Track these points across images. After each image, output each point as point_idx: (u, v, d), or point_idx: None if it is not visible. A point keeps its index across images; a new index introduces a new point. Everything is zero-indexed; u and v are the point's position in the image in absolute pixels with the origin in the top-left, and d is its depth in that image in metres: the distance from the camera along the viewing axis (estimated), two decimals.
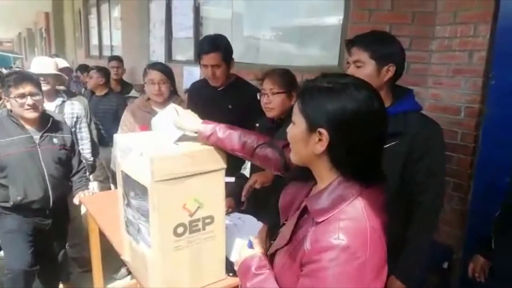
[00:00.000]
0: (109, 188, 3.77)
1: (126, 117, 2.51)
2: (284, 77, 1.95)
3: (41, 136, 2.28)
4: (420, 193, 1.51)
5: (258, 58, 3.27)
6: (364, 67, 1.47)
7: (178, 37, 4.27)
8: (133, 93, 3.78)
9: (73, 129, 2.81)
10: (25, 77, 2.21)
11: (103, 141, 3.48)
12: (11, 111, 2.34)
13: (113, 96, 3.96)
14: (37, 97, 2.22)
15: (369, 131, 0.92)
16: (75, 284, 2.85)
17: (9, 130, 2.22)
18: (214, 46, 2.21)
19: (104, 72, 4.07)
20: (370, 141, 0.93)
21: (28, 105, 2.16)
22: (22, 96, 2.15)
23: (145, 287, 1.47)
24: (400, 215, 1.52)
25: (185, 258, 1.39)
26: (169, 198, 1.31)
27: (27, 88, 2.17)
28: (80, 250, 3.05)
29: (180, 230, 1.35)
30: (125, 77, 4.67)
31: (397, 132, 1.46)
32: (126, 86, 4.44)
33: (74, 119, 2.95)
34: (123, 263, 2.96)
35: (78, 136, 2.93)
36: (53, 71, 2.89)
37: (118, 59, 4.56)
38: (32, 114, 2.21)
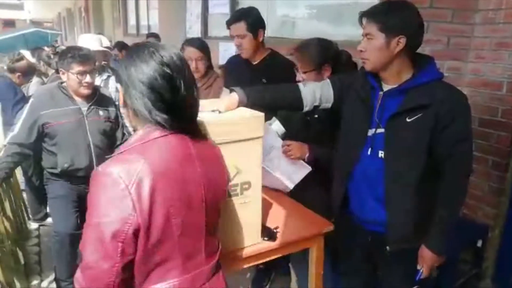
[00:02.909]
0: None
1: None
2: (312, 53, 1.89)
3: (88, 108, 2.40)
4: (447, 161, 1.46)
5: (294, 33, 3.27)
6: (374, 39, 1.45)
7: (214, 13, 4.31)
8: None
9: (116, 103, 2.95)
10: (88, 56, 2.33)
11: None
12: (62, 82, 2.48)
13: None
14: (93, 76, 2.35)
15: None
16: None
17: (60, 101, 2.35)
18: (239, 16, 2.25)
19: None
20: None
21: (86, 82, 2.28)
22: (83, 73, 2.27)
23: None
24: (430, 192, 1.49)
25: (224, 220, 1.47)
26: None
27: (88, 66, 2.30)
28: None
29: None
30: None
31: (421, 104, 1.44)
32: None
33: (118, 93, 3.08)
34: None
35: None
36: (100, 47, 3.02)
37: (156, 36, 4.67)
38: (86, 91, 2.33)
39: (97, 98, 2.45)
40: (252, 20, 2.25)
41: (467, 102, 1.49)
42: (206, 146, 1.16)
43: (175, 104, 1.04)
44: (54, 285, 2.62)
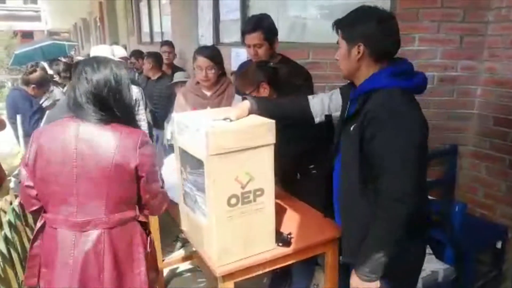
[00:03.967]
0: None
1: (178, 100, 2.65)
2: (249, 76, 2.03)
3: None
4: (378, 179, 1.31)
5: (304, 38, 3.27)
6: (340, 48, 1.44)
7: (225, 19, 4.35)
8: (178, 76, 3.91)
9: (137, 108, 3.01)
10: None
11: (156, 123, 3.68)
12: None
13: (166, 80, 4.13)
14: None
15: None
16: None
17: None
18: (256, 26, 2.24)
19: (155, 57, 4.26)
20: None
21: None
22: None
23: (202, 253, 1.60)
24: (363, 207, 1.40)
25: (238, 227, 1.50)
26: (223, 170, 1.41)
27: None
28: None
29: (233, 201, 1.46)
30: (175, 62, 4.86)
31: (352, 114, 1.41)
32: (177, 70, 4.62)
33: (133, 102, 3.14)
34: (176, 237, 3.20)
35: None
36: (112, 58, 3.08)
37: (170, 44, 4.74)
38: None
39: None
40: (268, 29, 2.25)
41: (402, 113, 1.29)
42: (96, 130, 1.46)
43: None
44: None
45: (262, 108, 1.60)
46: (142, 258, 1.54)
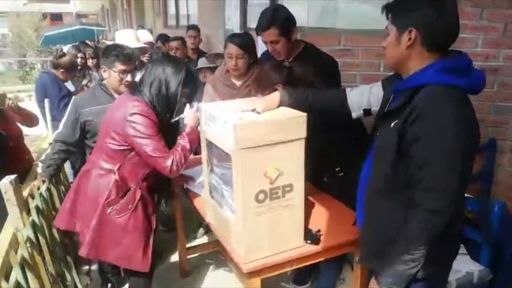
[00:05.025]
0: None
1: (207, 90, 2.59)
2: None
3: None
4: (415, 185, 1.20)
5: (336, 23, 3.14)
6: (389, 34, 1.30)
7: (253, 3, 4.24)
8: (202, 62, 3.84)
9: None
10: (131, 56, 2.35)
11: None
12: (102, 80, 2.52)
13: (192, 65, 4.07)
14: (134, 75, 2.38)
15: None
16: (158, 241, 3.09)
17: (100, 99, 2.39)
18: (269, 23, 2.08)
19: (181, 42, 4.20)
20: None
21: (126, 81, 2.31)
22: (124, 72, 2.30)
23: (228, 249, 1.56)
24: (393, 210, 1.29)
25: (266, 223, 1.44)
26: (251, 165, 1.35)
27: (131, 66, 2.32)
28: (163, 210, 3.30)
29: (261, 196, 1.40)
30: (200, 46, 4.80)
31: (393, 110, 1.27)
32: (202, 55, 4.55)
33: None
34: (199, 224, 3.19)
35: None
36: (137, 44, 3.05)
37: (196, 28, 4.66)
38: (126, 89, 2.36)
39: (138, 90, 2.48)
40: (282, 23, 2.09)
41: (450, 115, 1.14)
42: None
43: None
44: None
45: (294, 100, 1.52)
46: None
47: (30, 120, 2.75)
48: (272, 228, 1.46)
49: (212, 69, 3.72)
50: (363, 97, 1.52)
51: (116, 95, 2.40)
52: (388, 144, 1.27)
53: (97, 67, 4.73)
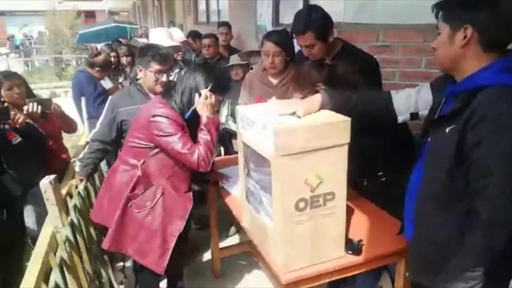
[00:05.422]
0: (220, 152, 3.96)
1: (244, 88, 2.54)
2: None
3: None
4: (477, 195, 1.10)
5: (374, 18, 3.01)
6: (441, 33, 1.20)
7: None
8: (234, 59, 3.80)
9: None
10: (167, 57, 2.36)
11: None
12: (137, 79, 2.53)
13: (224, 63, 4.05)
14: (169, 75, 2.38)
15: None
16: (193, 238, 3.09)
17: (135, 98, 2.40)
18: (305, 27, 1.97)
19: (212, 38, 4.17)
20: None
21: (162, 81, 2.31)
22: (160, 72, 2.30)
23: (266, 256, 1.51)
24: (449, 221, 1.20)
25: (305, 233, 1.39)
26: (292, 172, 1.30)
27: (166, 66, 2.32)
28: (197, 208, 3.28)
29: (301, 205, 1.34)
30: (231, 43, 4.76)
31: (450, 115, 1.17)
32: (233, 52, 4.51)
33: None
34: (232, 222, 3.16)
35: None
36: (171, 43, 3.04)
37: (227, 25, 4.63)
38: (161, 89, 2.35)
39: (171, 94, 2.46)
40: (319, 27, 1.96)
41: None
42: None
43: None
44: None
45: (336, 103, 1.45)
46: None
47: (70, 126, 2.80)
48: (312, 237, 1.40)
49: (244, 67, 3.68)
50: (410, 100, 1.43)
51: (151, 95, 2.40)
52: (444, 150, 1.18)
53: (131, 64, 4.78)
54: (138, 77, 2.48)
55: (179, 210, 1.95)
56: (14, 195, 2.21)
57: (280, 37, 2.29)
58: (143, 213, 1.89)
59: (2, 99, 2.39)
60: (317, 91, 1.77)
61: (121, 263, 2.92)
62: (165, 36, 3.17)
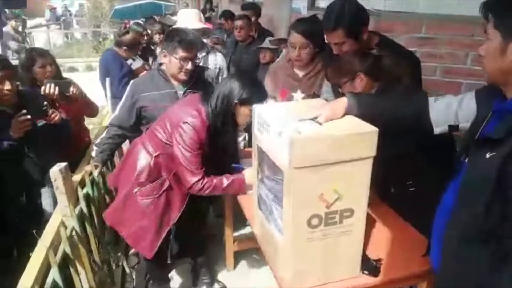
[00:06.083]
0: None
1: (268, 78, 2.39)
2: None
3: (184, 92, 2.32)
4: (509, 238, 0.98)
5: (417, 7, 2.76)
6: (490, 40, 1.01)
7: None
8: (265, 43, 3.62)
9: (216, 82, 2.86)
10: (194, 43, 2.22)
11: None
12: (161, 64, 2.43)
13: (255, 46, 3.88)
14: (195, 63, 2.26)
15: None
16: (209, 226, 3.02)
17: (158, 84, 2.30)
18: (336, 24, 1.77)
19: (246, 19, 3.98)
20: None
21: (186, 69, 2.20)
22: (186, 59, 2.18)
23: (273, 268, 1.40)
24: (481, 260, 1.04)
25: (318, 251, 1.26)
26: (306, 186, 1.16)
27: (193, 53, 2.21)
28: (216, 197, 3.20)
29: (314, 221, 1.21)
30: (264, 25, 4.56)
31: (494, 138, 0.98)
32: (265, 34, 4.29)
33: (217, 71, 2.98)
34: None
35: None
36: (200, 25, 2.91)
37: (256, 6, 4.42)
38: (185, 77, 2.24)
39: (194, 81, 2.35)
40: (351, 23, 1.76)
41: None
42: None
43: None
44: None
45: (364, 110, 1.28)
46: None
47: (91, 109, 2.75)
48: (325, 256, 1.27)
49: (273, 51, 3.52)
50: (450, 110, 1.24)
51: (173, 81, 2.30)
52: (482, 180, 1.00)
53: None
54: (161, 61, 2.38)
55: (177, 202, 1.97)
56: (34, 180, 2.20)
57: (309, 27, 2.10)
58: (147, 201, 1.91)
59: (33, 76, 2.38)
60: (359, 79, 1.62)
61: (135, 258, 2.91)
62: (194, 18, 3.03)
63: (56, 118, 2.14)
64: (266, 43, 3.57)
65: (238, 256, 2.67)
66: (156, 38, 4.84)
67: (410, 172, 1.73)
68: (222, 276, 2.57)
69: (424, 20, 2.56)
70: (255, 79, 1.91)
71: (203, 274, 2.46)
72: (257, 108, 1.43)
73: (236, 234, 2.58)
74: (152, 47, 4.89)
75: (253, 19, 4.26)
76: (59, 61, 2.87)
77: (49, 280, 1.39)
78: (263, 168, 1.43)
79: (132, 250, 2.85)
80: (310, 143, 1.12)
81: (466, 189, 1.08)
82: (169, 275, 2.44)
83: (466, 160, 1.12)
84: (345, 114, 1.30)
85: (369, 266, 1.37)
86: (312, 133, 1.16)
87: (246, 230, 2.81)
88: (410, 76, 1.75)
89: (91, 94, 2.81)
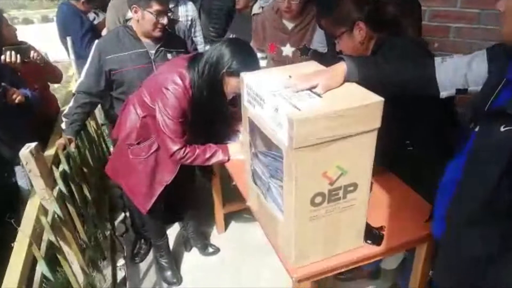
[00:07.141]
0: None
1: (255, 31, 2.21)
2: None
3: (156, 51, 2.14)
4: None
5: None
6: None
7: None
8: None
9: (188, 34, 2.65)
10: None
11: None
12: (127, 21, 2.21)
13: None
14: (168, 17, 2.07)
15: None
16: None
17: (126, 43, 2.10)
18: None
19: None
20: None
21: (161, 24, 2.00)
22: (161, 13, 1.99)
23: (273, 245, 1.35)
24: (489, 240, 0.99)
25: (320, 228, 1.20)
26: (309, 166, 1.07)
27: (167, 5, 2.04)
28: None
29: (318, 199, 1.14)
30: None
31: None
32: None
33: (189, 23, 2.75)
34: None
35: (193, 41, 2.76)
36: None
37: None
38: (159, 33, 2.06)
39: (165, 39, 2.15)
40: None
41: None
42: None
43: None
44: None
45: (365, 75, 1.17)
46: None
47: (55, 76, 2.51)
48: (328, 232, 1.22)
49: None
50: (458, 73, 1.14)
51: (144, 40, 2.11)
52: (494, 154, 0.93)
53: None
54: (128, 18, 2.15)
55: (170, 165, 1.91)
56: (5, 159, 2.03)
57: None
58: (136, 160, 1.91)
59: None
60: (358, 28, 1.48)
61: (122, 214, 2.84)
62: None
63: (18, 99, 1.93)
64: None
65: (228, 218, 2.65)
66: None
67: (407, 131, 1.67)
68: (214, 239, 2.56)
69: None
70: (247, 48, 1.74)
71: (195, 239, 2.44)
72: (245, 77, 1.29)
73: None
74: None
75: None
76: (10, 13, 2.54)
77: (37, 277, 1.30)
78: (255, 142, 1.33)
79: (119, 218, 2.79)
80: (311, 122, 1.01)
81: (475, 162, 1.01)
82: None
83: (477, 129, 1.04)
84: (344, 81, 1.18)
85: (372, 236, 1.34)
86: (313, 109, 1.04)
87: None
88: (413, 25, 1.63)
89: (53, 54, 2.56)
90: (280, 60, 2.21)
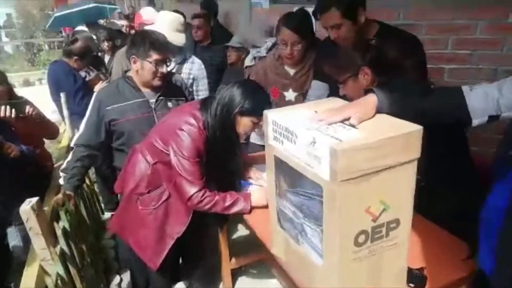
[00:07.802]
0: None
1: (256, 78, 2.21)
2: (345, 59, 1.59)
3: (156, 100, 2.11)
4: None
5: None
6: None
7: None
8: (235, 40, 3.42)
9: (190, 89, 2.65)
10: (167, 43, 2.06)
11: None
12: (127, 71, 2.19)
13: (217, 46, 3.66)
14: (169, 66, 2.06)
15: None
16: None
17: (126, 94, 2.07)
18: (328, 3, 1.68)
19: (204, 19, 3.74)
20: None
21: (161, 73, 1.99)
22: (160, 62, 1.98)
23: None
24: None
25: (363, 269, 1.11)
26: (353, 200, 1.01)
27: (166, 55, 2.02)
28: None
29: (361, 238, 1.06)
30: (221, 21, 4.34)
31: None
32: (222, 32, 4.08)
33: (190, 81, 2.76)
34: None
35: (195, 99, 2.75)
36: (179, 40, 2.69)
37: (211, 5, 4.19)
38: (159, 82, 2.05)
39: (165, 88, 2.13)
40: (345, 1, 1.68)
41: None
42: None
43: None
44: None
45: (396, 107, 1.15)
46: None
47: (51, 132, 2.43)
48: (371, 273, 1.13)
49: (239, 50, 3.32)
50: (489, 99, 1.13)
51: (143, 89, 2.09)
52: None
53: (112, 51, 4.34)
54: (127, 69, 2.14)
55: (181, 215, 1.79)
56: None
57: (299, 22, 1.95)
58: (146, 211, 1.81)
59: None
60: (363, 73, 1.49)
61: (118, 277, 2.63)
62: (175, 27, 2.72)
63: (13, 153, 1.84)
64: (233, 41, 3.37)
65: (236, 273, 2.48)
66: (105, 45, 4.48)
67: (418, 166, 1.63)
68: None
69: (401, 6, 2.50)
70: (259, 89, 1.73)
71: None
72: (269, 114, 1.25)
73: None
74: (100, 55, 4.54)
75: (201, 31, 3.90)
76: None
77: None
78: (282, 181, 1.26)
79: (115, 281, 2.58)
80: (355, 151, 0.96)
81: None
82: None
83: None
84: (376, 112, 1.16)
85: (415, 277, 1.24)
86: (353, 139, 1.00)
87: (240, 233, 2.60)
88: (415, 66, 1.66)
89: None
90: (283, 106, 2.20)
